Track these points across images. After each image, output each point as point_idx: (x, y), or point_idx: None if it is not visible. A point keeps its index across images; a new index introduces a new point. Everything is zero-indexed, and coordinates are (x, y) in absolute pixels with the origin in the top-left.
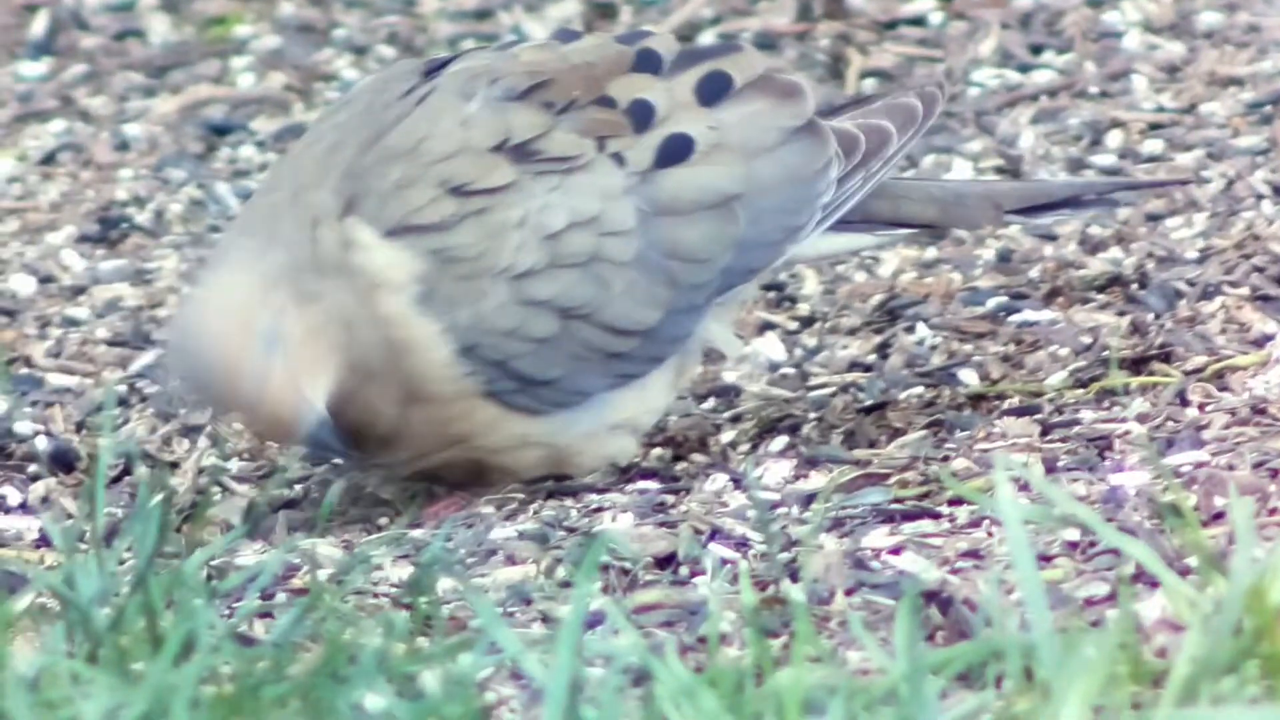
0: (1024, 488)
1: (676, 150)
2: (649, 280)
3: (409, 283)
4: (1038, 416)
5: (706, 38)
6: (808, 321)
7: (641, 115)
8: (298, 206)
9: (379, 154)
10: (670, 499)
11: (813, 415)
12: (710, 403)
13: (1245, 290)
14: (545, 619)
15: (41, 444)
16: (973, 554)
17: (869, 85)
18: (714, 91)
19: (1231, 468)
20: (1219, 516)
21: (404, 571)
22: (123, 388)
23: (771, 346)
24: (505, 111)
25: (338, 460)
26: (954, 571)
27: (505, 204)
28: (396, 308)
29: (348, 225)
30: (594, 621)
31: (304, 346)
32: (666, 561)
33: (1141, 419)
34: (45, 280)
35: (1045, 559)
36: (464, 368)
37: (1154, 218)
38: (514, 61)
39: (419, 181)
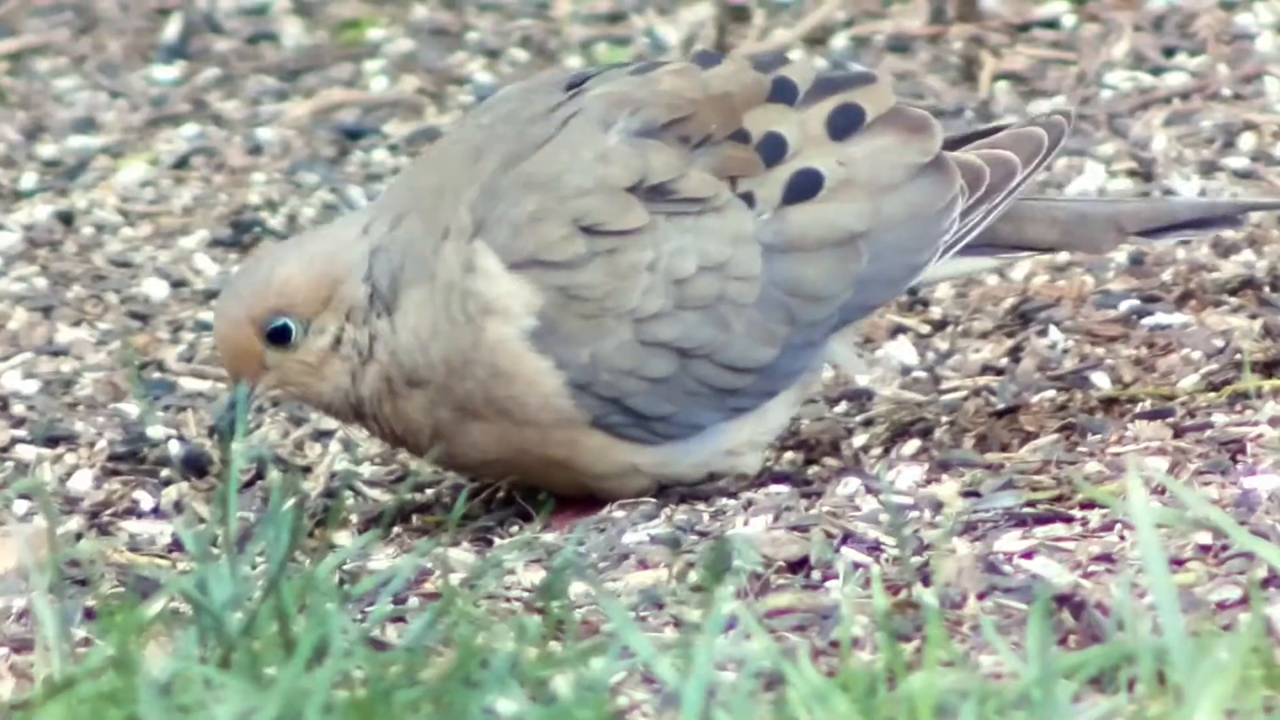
0: (1156, 491)
1: (805, 186)
2: (768, 319)
3: (523, 315)
4: (1170, 420)
5: (839, 41)
6: (940, 325)
7: (773, 149)
8: (436, 211)
9: (517, 178)
10: (803, 503)
11: (945, 419)
12: (842, 406)
13: None
14: (677, 623)
15: (174, 449)
16: (1105, 558)
17: (1002, 88)
18: (845, 125)
19: None
20: None
21: (536, 576)
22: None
23: (904, 350)
24: (644, 149)
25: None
26: (1086, 575)
27: (636, 246)
28: (504, 337)
29: (476, 249)
30: (726, 625)
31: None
32: (799, 566)
33: (1274, 422)
34: (178, 284)
35: (1178, 563)
36: (573, 402)
37: None
38: (655, 88)
39: (552, 217)
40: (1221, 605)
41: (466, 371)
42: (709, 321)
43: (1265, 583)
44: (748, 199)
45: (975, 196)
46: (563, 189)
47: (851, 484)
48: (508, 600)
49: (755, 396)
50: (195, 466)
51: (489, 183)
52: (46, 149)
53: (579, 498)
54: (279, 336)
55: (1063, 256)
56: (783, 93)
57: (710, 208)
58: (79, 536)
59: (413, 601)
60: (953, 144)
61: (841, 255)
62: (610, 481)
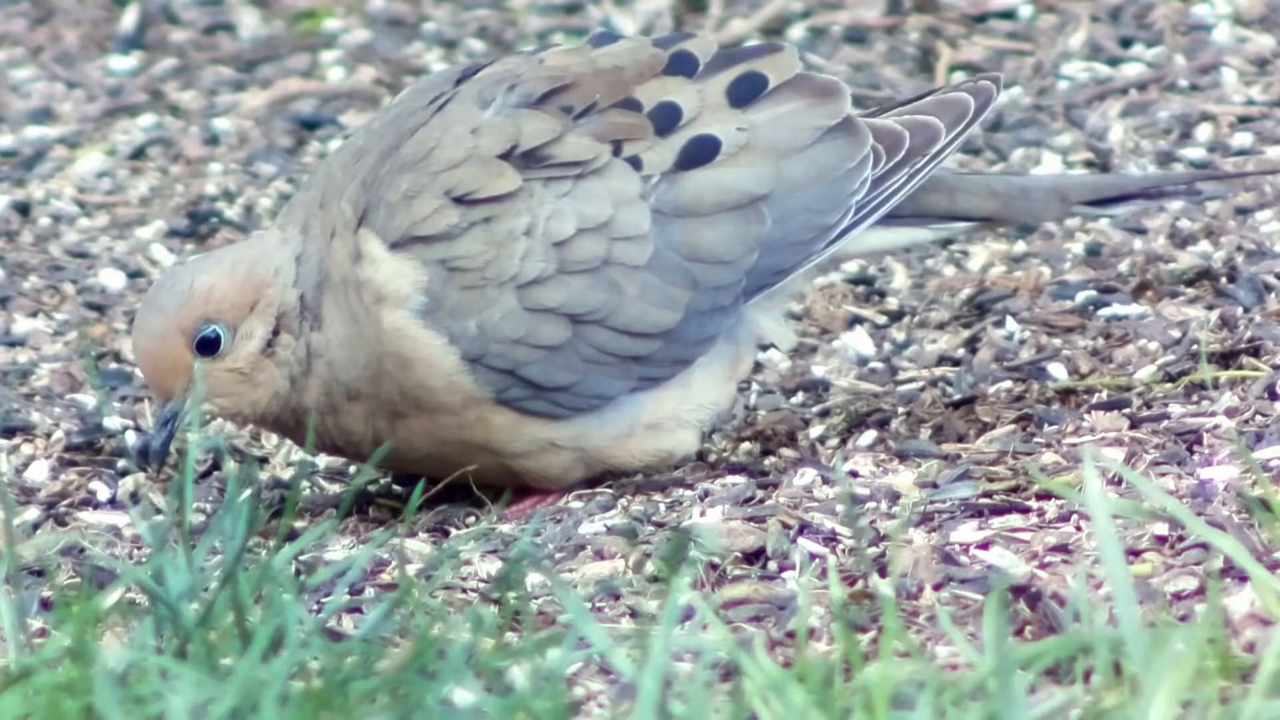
0: (1113, 482)
1: (701, 152)
2: (666, 283)
3: (413, 294)
4: (1126, 411)
5: (796, 31)
6: (897, 316)
7: (666, 118)
8: (323, 215)
9: (393, 164)
10: (759, 493)
11: (901, 409)
12: (799, 397)
13: None
14: (634, 614)
15: (130, 439)
16: (1061, 548)
17: (958, 79)
18: (747, 93)
19: None
20: None
21: (492, 566)
22: None
23: (860, 341)
24: (517, 117)
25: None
26: (1043, 566)
27: (511, 212)
28: (399, 321)
29: (360, 237)
30: (683, 616)
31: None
32: (755, 556)
33: (1230, 413)
34: (134, 275)
35: (1134, 553)
36: (471, 377)
37: (1243, 211)
38: (538, 67)
39: (424, 191)
40: (1178, 596)
41: (382, 370)
42: (598, 285)
43: (1221, 573)
44: (633, 163)
45: (894, 160)
46: (433, 164)
47: (808, 475)
48: (464, 591)
49: (666, 365)
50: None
51: (368, 176)
52: (3, 139)
53: (534, 488)
54: (208, 345)
55: (1019, 247)
56: (681, 66)
57: (589, 170)
58: (36, 527)
59: (369, 592)
60: (879, 111)
61: (742, 218)
62: (530, 460)
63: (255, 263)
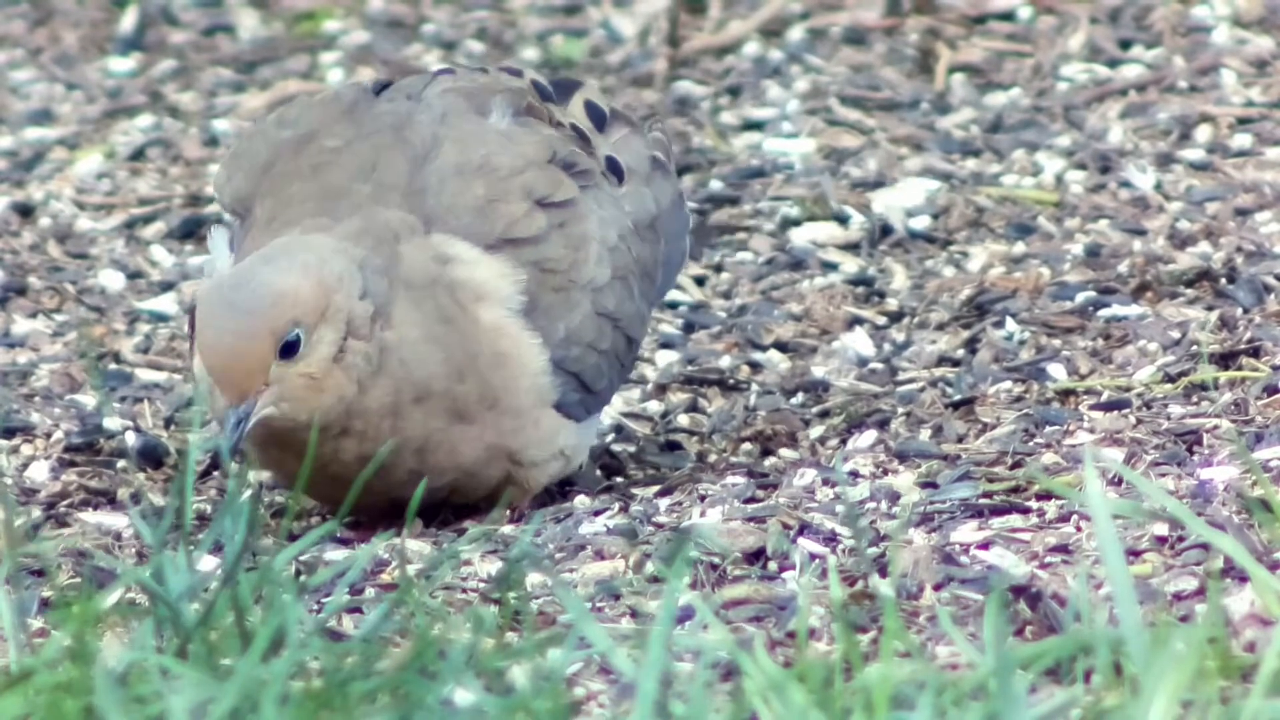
0: (1113, 482)
1: (616, 171)
2: (643, 293)
3: (514, 294)
4: (1126, 411)
5: (795, 33)
6: (896, 316)
7: (582, 139)
8: (363, 226)
9: (444, 171)
10: (759, 494)
11: (901, 410)
12: (799, 398)
13: None
14: (634, 614)
15: (130, 439)
16: (1062, 549)
17: (958, 80)
18: (598, 119)
19: None
20: None
21: (493, 567)
22: None
23: (860, 341)
24: (533, 127)
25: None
26: (1043, 566)
27: (578, 216)
28: (499, 319)
29: (437, 241)
30: (683, 616)
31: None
32: (755, 556)
33: (1230, 413)
34: (134, 276)
35: (1134, 554)
36: (550, 378)
37: (1243, 212)
38: (487, 79)
39: (508, 195)
40: (1178, 596)
41: (469, 367)
42: (626, 292)
43: (1222, 573)
44: (607, 178)
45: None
46: (500, 169)
47: (808, 475)
48: (464, 591)
49: (628, 373)
50: (151, 457)
51: (411, 184)
52: (3, 140)
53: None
54: (290, 349)
55: (1019, 248)
56: (545, 94)
57: (598, 181)
58: (36, 528)
59: (369, 592)
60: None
61: (654, 235)
62: (539, 470)
63: (322, 266)
